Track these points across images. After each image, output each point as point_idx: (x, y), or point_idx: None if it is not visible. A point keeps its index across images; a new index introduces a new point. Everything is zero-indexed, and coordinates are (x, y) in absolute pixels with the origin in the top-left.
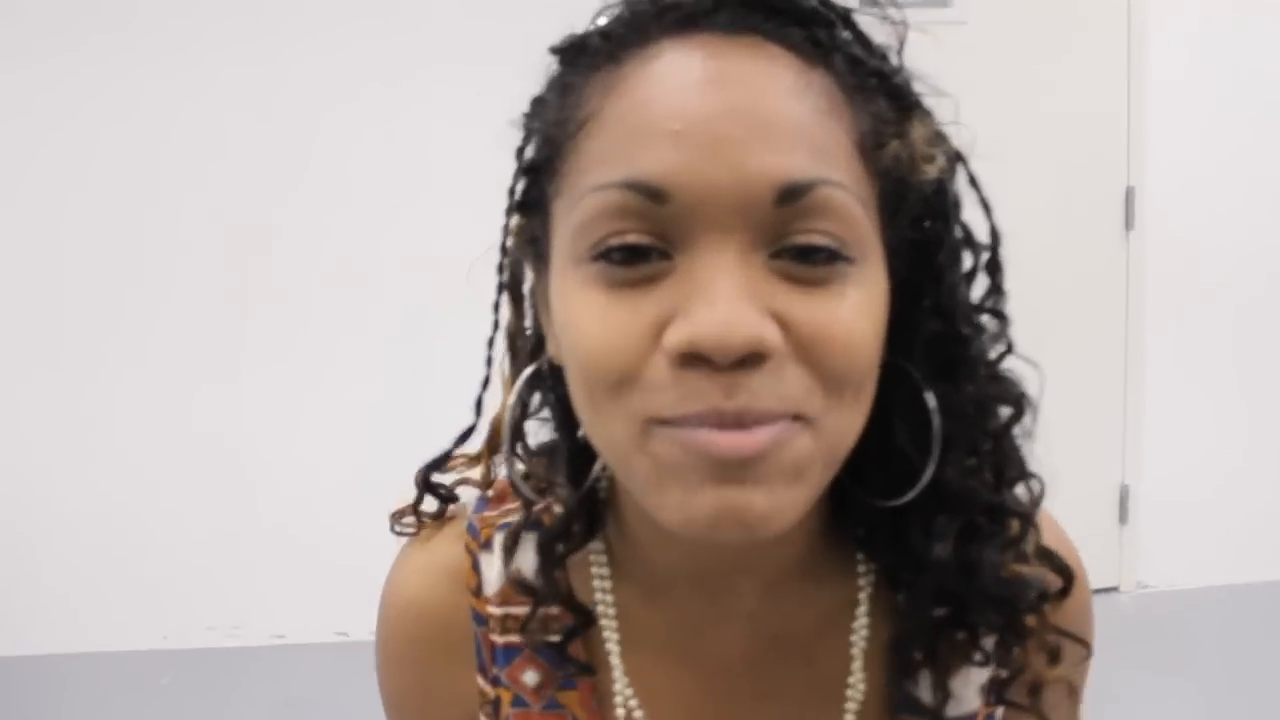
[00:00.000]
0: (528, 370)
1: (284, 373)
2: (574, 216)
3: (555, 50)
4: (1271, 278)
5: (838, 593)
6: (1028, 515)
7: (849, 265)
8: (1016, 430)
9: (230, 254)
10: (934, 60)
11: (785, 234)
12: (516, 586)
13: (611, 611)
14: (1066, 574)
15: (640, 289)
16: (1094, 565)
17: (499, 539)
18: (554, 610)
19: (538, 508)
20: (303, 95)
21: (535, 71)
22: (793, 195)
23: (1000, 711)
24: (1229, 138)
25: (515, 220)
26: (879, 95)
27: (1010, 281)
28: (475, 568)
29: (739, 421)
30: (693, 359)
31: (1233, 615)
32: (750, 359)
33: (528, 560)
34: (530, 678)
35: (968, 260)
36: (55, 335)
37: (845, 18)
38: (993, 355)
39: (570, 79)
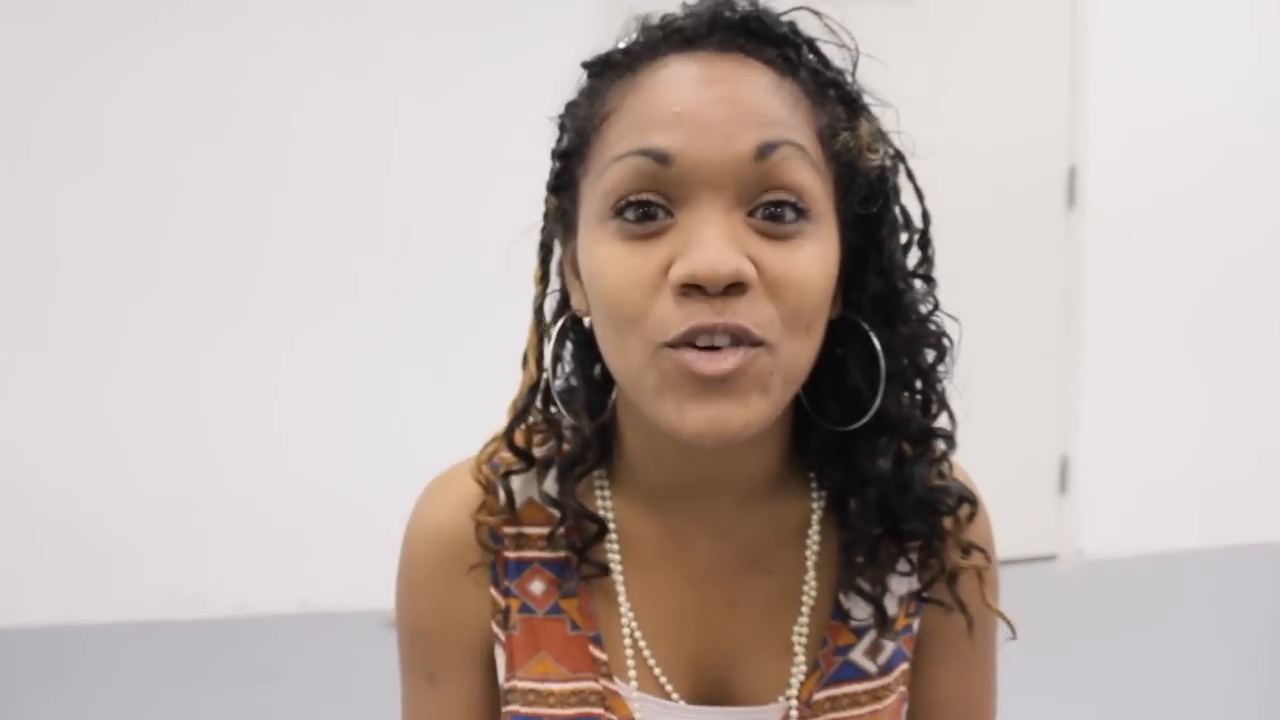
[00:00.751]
0: (561, 320)
1: (247, 342)
2: (599, 184)
3: (585, 65)
4: (1202, 256)
5: (795, 510)
6: (950, 437)
7: (807, 223)
8: (940, 368)
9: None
10: (881, 38)
11: (760, 192)
12: (545, 501)
13: (613, 527)
14: (972, 498)
15: (650, 241)
16: (1034, 533)
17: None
18: (564, 530)
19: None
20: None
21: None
22: (767, 151)
23: (917, 623)
24: (1169, 116)
25: (551, 199)
26: (835, 101)
27: (955, 256)
28: (494, 494)
29: (725, 339)
30: (691, 289)
31: (1168, 581)
32: (734, 288)
33: (549, 487)
34: (536, 587)
35: (904, 236)
36: (41, 308)
37: (809, 43)
38: (923, 310)
39: (597, 85)
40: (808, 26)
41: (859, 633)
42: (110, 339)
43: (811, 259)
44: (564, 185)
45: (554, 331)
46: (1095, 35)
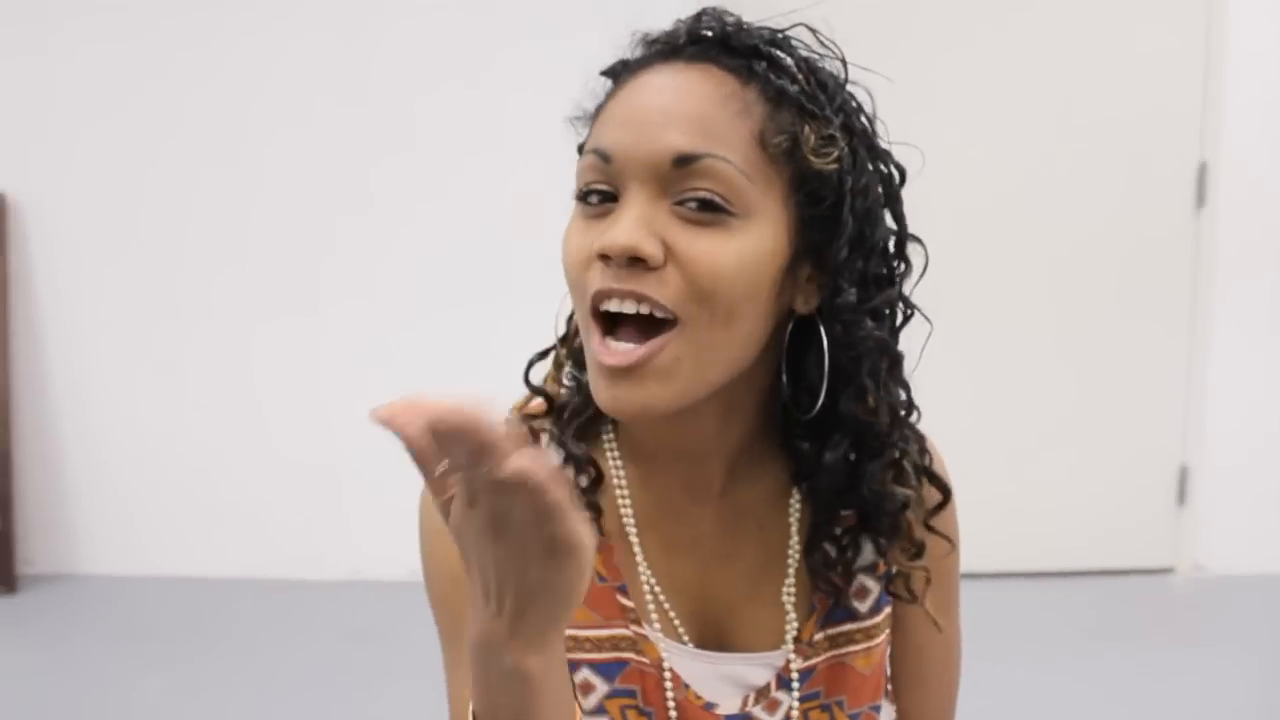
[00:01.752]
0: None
1: (364, 315)
2: (577, 171)
3: (602, 73)
4: None
5: (780, 474)
6: (903, 449)
7: (730, 218)
8: (891, 377)
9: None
10: (1008, 32)
11: (683, 189)
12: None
13: (626, 488)
14: (945, 489)
15: (597, 220)
16: (1150, 545)
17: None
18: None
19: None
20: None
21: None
22: (684, 161)
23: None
24: None
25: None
26: (790, 107)
27: (1075, 257)
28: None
29: (633, 299)
30: (604, 258)
31: None
32: (637, 262)
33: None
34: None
35: (891, 239)
36: (169, 282)
37: (771, 56)
38: (875, 314)
39: (606, 89)
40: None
41: (846, 578)
42: (247, 309)
43: (728, 249)
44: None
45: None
46: (1232, 28)
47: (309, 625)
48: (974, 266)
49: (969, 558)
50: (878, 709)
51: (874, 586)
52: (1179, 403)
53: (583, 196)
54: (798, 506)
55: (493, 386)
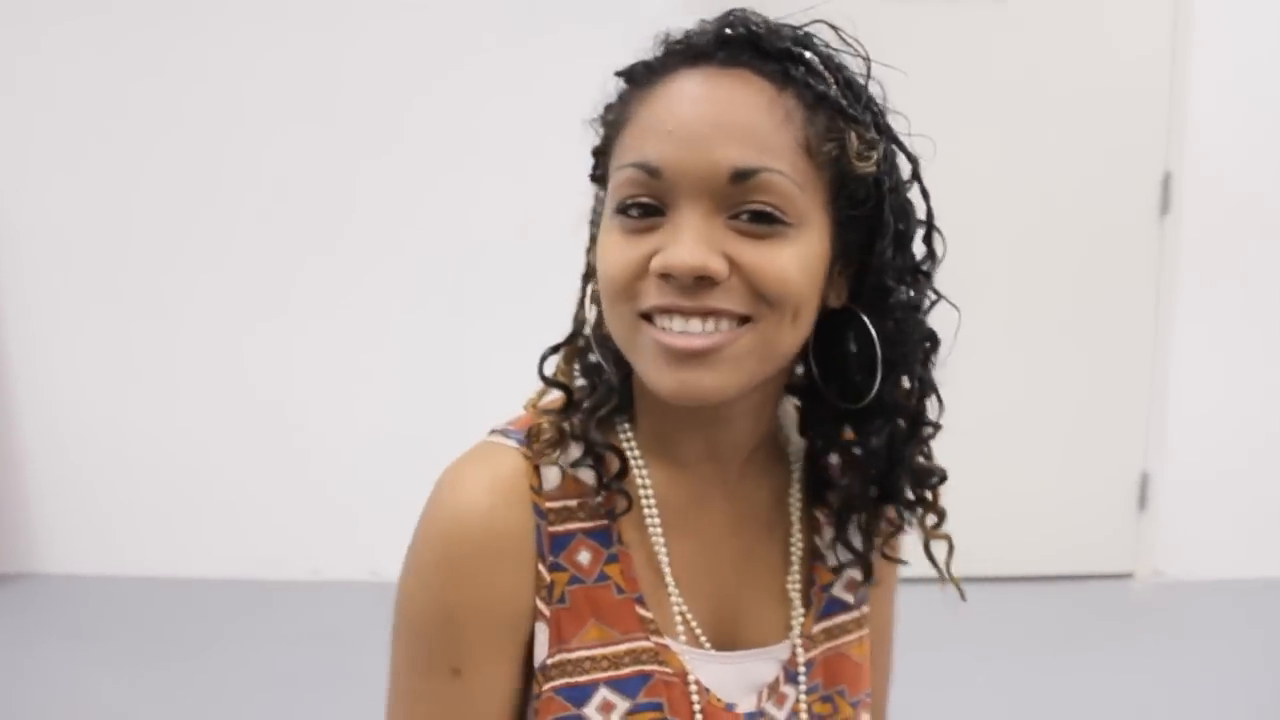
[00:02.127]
0: (590, 286)
1: (334, 319)
2: (612, 184)
3: (618, 74)
4: None
5: (780, 474)
6: (937, 424)
7: (786, 228)
8: (931, 360)
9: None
10: (974, 39)
11: (739, 203)
12: (579, 461)
13: (649, 487)
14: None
15: (642, 234)
16: (1111, 551)
17: (550, 452)
18: (595, 501)
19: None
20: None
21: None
22: (742, 176)
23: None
24: (1270, 125)
25: (596, 190)
26: (828, 111)
27: (1043, 262)
28: (536, 470)
29: (699, 317)
30: (666, 278)
31: (1250, 608)
32: (703, 280)
33: (582, 469)
34: (584, 557)
35: (918, 231)
36: (120, 278)
37: (805, 59)
38: (917, 304)
39: (624, 93)
40: (831, 34)
41: (836, 571)
42: (215, 308)
43: (788, 256)
44: (598, 178)
45: (589, 291)
46: (1197, 42)
47: (272, 626)
48: (938, 272)
49: (928, 564)
50: (869, 696)
51: (858, 579)
52: (1141, 409)
53: (624, 209)
54: (799, 501)
55: (470, 388)
